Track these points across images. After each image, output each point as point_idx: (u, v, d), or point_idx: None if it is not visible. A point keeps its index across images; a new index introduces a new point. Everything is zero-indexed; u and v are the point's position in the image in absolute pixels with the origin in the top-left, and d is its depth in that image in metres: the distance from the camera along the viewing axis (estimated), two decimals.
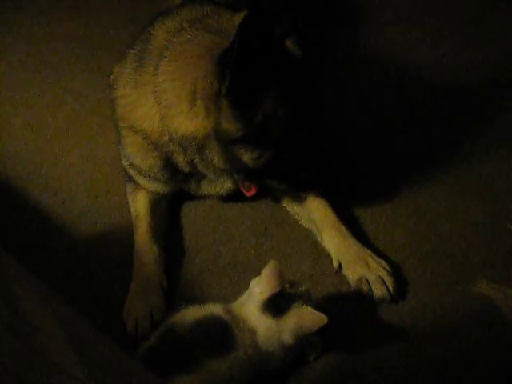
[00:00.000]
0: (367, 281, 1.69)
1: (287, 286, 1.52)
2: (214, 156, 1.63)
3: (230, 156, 1.61)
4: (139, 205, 1.88)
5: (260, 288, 1.51)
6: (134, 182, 1.90)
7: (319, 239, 1.82)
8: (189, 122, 1.58)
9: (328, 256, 1.79)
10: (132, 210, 1.91)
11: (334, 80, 2.20)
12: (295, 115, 1.58)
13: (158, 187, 1.87)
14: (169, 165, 1.77)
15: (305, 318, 1.47)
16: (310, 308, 1.48)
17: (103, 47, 2.50)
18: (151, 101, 1.65)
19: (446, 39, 2.48)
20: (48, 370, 0.86)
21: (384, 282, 1.68)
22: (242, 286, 1.67)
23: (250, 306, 1.51)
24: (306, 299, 1.51)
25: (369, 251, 1.76)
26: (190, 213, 1.95)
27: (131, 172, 1.88)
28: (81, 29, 2.52)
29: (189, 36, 1.62)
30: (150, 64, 1.66)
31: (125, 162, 1.87)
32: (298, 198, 1.87)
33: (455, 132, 2.13)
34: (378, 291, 1.67)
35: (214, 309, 1.51)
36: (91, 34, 2.56)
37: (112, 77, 2.29)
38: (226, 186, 1.83)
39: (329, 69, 2.22)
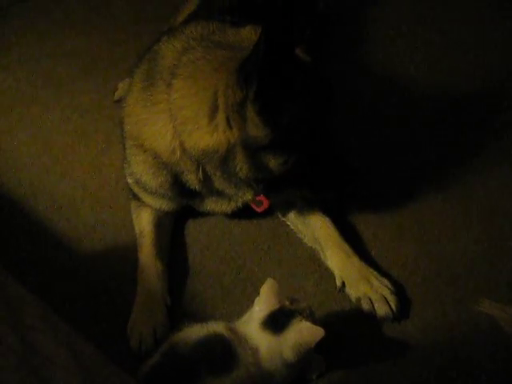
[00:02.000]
0: (370, 299, 1.70)
1: (287, 302, 1.52)
2: (240, 166, 1.61)
3: (257, 164, 1.61)
4: (143, 222, 1.89)
5: (259, 306, 1.52)
6: (139, 199, 1.91)
7: (322, 258, 1.83)
8: (209, 135, 1.58)
9: (331, 274, 1.79)
10: (136, 227, 1.92)
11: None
12: (316, 118, 1.61)
13: (163, 205, 1.88)
14: (177, 183, 1.77)
15: (303, 332, 1.46)
16: (307, 322, 1.48)
17: (109, 64, 2.52)
18: (163, 119, 1.66)
19: (443, 45, 2.51)
20: None
21: (387, 301, 1.69)
22: (245, 304, 1.68)
23: (251, 324, 1.52)
24: (307, 315, 1.50)
25: (372, 270, 1.76)
26: (194, 230, 1.96)
27: (136, 189, 1.88)
28: (87, 46, 2.54)
29: (199, 53, 1.63)
30: (161, 83, 1.67)
31: (130, 180, 1.89)
32: (302, 216, 1.88)
33: (459, 148, 2.13)
34: (381, 310, 1.68)
35: (217, 327, 1.51)
36: (97, 50, 2.59)
37: (116, 93, 2.32)
38: (232, 204, 1.84)
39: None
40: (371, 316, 1.69)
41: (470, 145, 2.14)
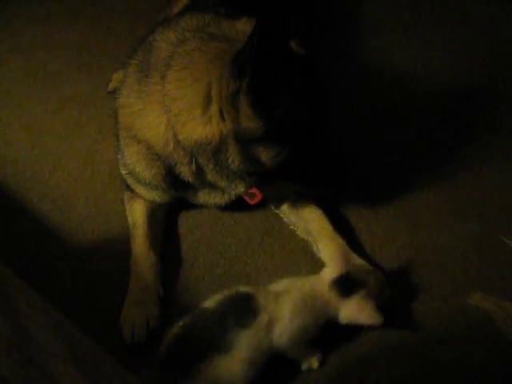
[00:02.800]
0: None
1: (355, 270, 1.64)
2: (233, 158, 1.62)
3: (249, 156, 1.61)
4: (136, 213, 1.89)
5: (330, 268, 1.64)
6: (132, 190, 1.90)
7: (315, 250, 1.83)
8: (202, 127, 1.59)
9: (323, 266, 1.80)
10: (129, 218, 1.92)
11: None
12: (308, 110, 1.61)
13: (156, 196, 1.88)
14: (170, 174, 1.77)
15: (364, 310, 1.55)
16: (373, 304, 1.56)
17: (102, 55, 2.52)
18: (157, 110, 1.66)
19: (441, 45, 2.50)
20: None
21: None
22: None
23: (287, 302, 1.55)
24: (375, 293, 1.59)
25: (364, 262, 1.76)
26: (186, 222, 1.96)
27: (130, 181, 1.88)
28: (80, 36, 2.54)
29: (194, 45, 1.63)
30: (155, 74, 1.67)
31: (123, 171, 1.88)
32: (295, 209, 1.88)
33: (453, 142, 2.13)
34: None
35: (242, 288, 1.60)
36: (91, 41, 2.58)
37: (110, 85, 2.31)
38: (225, 196, 1.84)
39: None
40: None
41: (462, 140, 2.14)
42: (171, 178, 1.78)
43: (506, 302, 1.70)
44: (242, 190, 1.78)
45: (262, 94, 1.50)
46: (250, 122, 1.54)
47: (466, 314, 1.69)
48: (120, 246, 1.89)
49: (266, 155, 1.60)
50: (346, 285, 1.58)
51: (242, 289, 1.58)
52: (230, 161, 1.62)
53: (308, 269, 1.80)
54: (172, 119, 1.63)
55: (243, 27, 1.66)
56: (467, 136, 2.15)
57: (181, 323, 1.54)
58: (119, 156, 1.89)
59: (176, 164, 1.72)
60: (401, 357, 1.61)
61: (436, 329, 1.67)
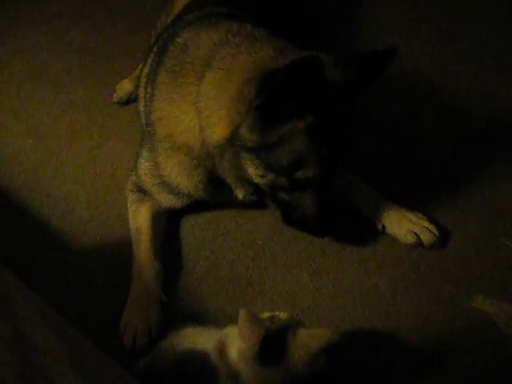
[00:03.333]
0: (414, 233, 1.83)
1: (268, 324, 1.41)
2: (225, 162, 1.67)
3: (238, 165, 1.64)
4: (141, 218, 1.88)
5: (247, 343, 1.38)
6: (144, 193, 1.89)
7: (358, 207, 1.90)
8: (223, 129, 1.61)
9: (325, 268, 1.81)
10: (132, 221, 1.90)
11: None
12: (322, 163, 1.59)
13: (177, 203, 1.88)
14: (211, 181, 1.79)
15: (307, 342, 1.39)
16: (305, 330, 1.42)
17: (104, 58, 2.51)
18: (192, 112, 1.67)
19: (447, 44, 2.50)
20: None
21: (429, 230, 1.83)
22: (239, 299, 1.72)
23: (244, 361, 1.40)
24: (295, 325, 1.44)
25: (403, 208, 1.87)
26: (188, 225, 1.95)
27: (154, 189, 1.86)
28: (82, 40, 2.53)
29: (238, 48, 1.65)
30: (192, 74, 1.68)
31: (150, 179, 1.86)
32: None
33: (456, 147, 2.12)
34: (428, 239, 1.83)
35: (207, 345, 1.44)
36: (92, 45, 2.57)
37: (115, 96, 2.30)
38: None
39: None
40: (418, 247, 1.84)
41: (467, 143, 2.13)
42: (212, 184, 1.80)
43: (508, 304, 1.70)
44: (241, 196, 1.79)
45: (266, 116, 1.53)
46: (246, 131, 1.56)
47: (469, 317, 1.69)
48: (121, 249, 1.88)
49: (251, 170, 1.62)
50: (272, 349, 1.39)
51: (205, 345, 1.44)
52: (224, 165, 1.68)
53: (309, 271, 1.81)
54: (203, 122, 1.64)
55: (281, 45, 1.65)
56: (471, 142, 2.14)
57: (146, 360, 1.50)
58: (139, 162, 1.88)
59: (214, 166, 1.73)
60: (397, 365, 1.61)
61: (438, 332, 1.67)
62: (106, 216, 1.99)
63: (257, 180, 1.65)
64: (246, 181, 1.70)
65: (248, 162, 1.62)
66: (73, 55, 2.52)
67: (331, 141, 1.58)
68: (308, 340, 1.40)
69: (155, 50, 1.93)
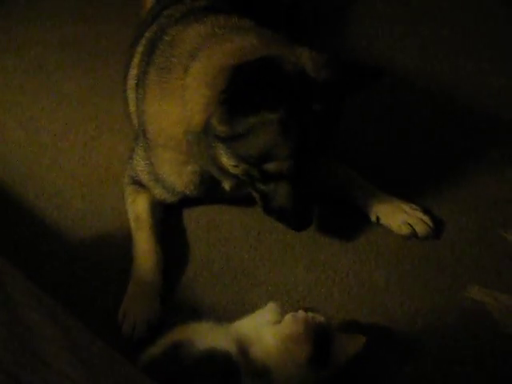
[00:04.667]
0: (409, 224, 1.83)
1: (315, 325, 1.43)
2: (201, 151, 1.68)
3: (213, 155, 1.65)
4: (139, 208, 1.88)
5: (300, 346, 1.38)
6: (141, 185, 1.90)
7: (353, 198, 1.90)
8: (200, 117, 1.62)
9: (321, 260, 1.81)
10: (131, 211, 1.90)
11: None
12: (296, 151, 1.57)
13: (172, 198, 1.89)
14: (203, 180, 1.81)
15: (345, 346, 1.43)
16: (342, 334, 1.47)
17: (98, 52, 2.51)
18: (180, 105, 1.67)
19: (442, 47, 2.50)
20: (47, 373, 0.86)
21: (423, 221, 1.83)
22: (234, 291, 1.72)
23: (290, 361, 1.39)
24: (333, 327, 1.48)
25: (397, 199, 1.88)
26: (183, 217, 1.95)
27: (151, 184, 1.87)
28: (76, 34, 2.52)
29: (221, 38, 1.66)
30: (178, 68, 1.68)
31: (146, 176, 1.87)
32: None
33: (452, 140, 2.13)
34: (422, 230, 1.83)
35: (226, 344, 1.38)
36: (86, 38, 2.56)
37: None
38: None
39: None
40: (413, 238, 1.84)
41: (463, 135, 2.14)
42: (204, 183, 1.81)
43: (503, 294, 1.71)
44: (227, 188, 1.80)
45: (237, 106, 1.53)
46: (216, 121, 1.58)
47: (463, 307, 1.70)
48: (117, 243, 1.88)
49: (225, 160, 1.63)
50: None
51: (223, 343, 1.38)
52: (203, 155, 1.69)
53: (305, 263, 1.81)
54: (187, 112, 1.65)
55: (267, 36, 1.66)
56: (468, 134, 2.15)
57: (152, 353, 1.43)
58: (135, 160, 1.89)
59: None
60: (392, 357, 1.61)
61: (433, 322, 1.67)
62: (102, 209, 1.98)
63: (232, 170, 1.65)
64: (226, 172, 1.69)
65: (222, 152, 1.62)
66: (66, 49, 2.52)
67: (305, 136, 1.56)
68: (346, 344, 1.44)
69: (141, 49, 1.92)
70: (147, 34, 1.93)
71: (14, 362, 0.85)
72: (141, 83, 1.83)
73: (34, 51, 2.53)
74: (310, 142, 1.58)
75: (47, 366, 0.89)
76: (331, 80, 1.58)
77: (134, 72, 1.93)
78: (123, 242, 1.85)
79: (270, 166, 1.58)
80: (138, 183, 1.91)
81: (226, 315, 1.64)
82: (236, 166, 1.63)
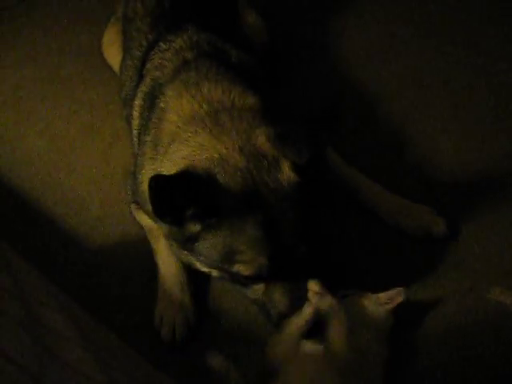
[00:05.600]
0: (424, 228, 1.82)
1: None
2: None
3: (188, 261, 1.61)
4: (148, 221, 1.85)
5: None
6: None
7: (365, 202, 1.90)
8: None
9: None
10: (143, 224, 1.90)
11: None
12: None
13: None
14: None
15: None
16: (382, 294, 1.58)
17: None
18: None
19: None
20: (64, 371, 0.86)
21: (438, 223, 1.82)
22: None
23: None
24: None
25: (411, 202, 1.86)
26: None
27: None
28: (93, 42, 2.54)
29: (186, 138, 1.56)
30: (161, 150, 1.61)
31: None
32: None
33: (465, 139, 2.11)
34: (438, 231, 1.82)
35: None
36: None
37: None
38: None
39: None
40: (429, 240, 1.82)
41: (473, 132, 2.12)
42: None
43: None
44: None
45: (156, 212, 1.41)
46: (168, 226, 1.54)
47: (486, 308, 1.68)
48: (136, 248, 1.90)
49: (199, 266, 1.56)
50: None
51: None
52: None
53: None
54: None
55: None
56: (473, 130, 2.13)
57: None
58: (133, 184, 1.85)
59: None
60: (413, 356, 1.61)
61: (456, 324, 1.66)
62: (120, 215, 2.00)
63: (213, 275, 1.56)
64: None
65: (191, 258, 1.56)
66: (83, 57, 2.54)
67: (265, 232, 1.42)
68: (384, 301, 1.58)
69: (139, 103, 1.85)
70: (143, 88, 1.83)
71: (28, 358, 0.85)
72: (141, 138, 1.77)
73: (51, 60, 2.55)
74: (283, 231, 1.43)
75: (61, 362, 0.89)
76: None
77: (136, 122, 1.87)
78: (142, 247, 1.86)
79: (241, 268, 1.45)
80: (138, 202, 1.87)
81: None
82: (210, 273, 1.55)
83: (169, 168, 1.52)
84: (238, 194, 1.42)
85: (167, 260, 1.78)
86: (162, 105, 1.69)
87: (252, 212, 1.41)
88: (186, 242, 1.49)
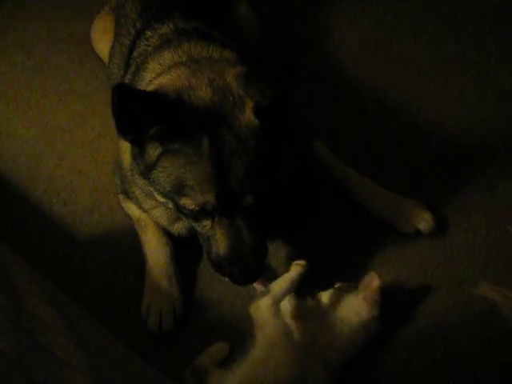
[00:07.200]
0: (412, 223, 1.82)
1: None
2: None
3: (148, 192, 1.64)
4: (137, 212, 1.86)
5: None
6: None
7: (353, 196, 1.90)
8: None
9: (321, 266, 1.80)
10: (130, 215, 1.90)
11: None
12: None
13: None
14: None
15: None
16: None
17: None
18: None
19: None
20: (55, 365, 0.86)
21: (427, 217, 1.82)
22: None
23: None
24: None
25: (400, 196, 1.87)
26: None
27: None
28: (83, 31, 2.51)
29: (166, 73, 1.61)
30: None
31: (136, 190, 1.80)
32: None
33: (457, 135, 2.12)
34: (426, 228, 1.82)
35: None
36: None
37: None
38: None
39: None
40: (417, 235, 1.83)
41: (468, 131, 2.13)
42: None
43: None
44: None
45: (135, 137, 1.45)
46: (132, 156, 1.57)
47: (473, 304, 1.69)
48: (125, 238, 1.89)
49: (158, 198, 1.56)
50: None
51: None
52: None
53: None
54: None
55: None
56: (472, 130, 2.13)
57: None
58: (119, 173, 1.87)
59: None
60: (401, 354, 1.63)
61: (443, 319, 1.67)
62: (109, 205, 1.99)
63: (170, 207, 1.57)
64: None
65: (150, 189, 1.56)
66: (73, 46, 2.51)
67: (220, 168, 1.41)
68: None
69: (130, 78, 1.82)
70: (129, 77, 1.82)
71: (18, 351, 0.84)
72: None
73: (41, 48, 2.52)
74: (232, 175, 1.42)
75: (51, 355, 0.89)
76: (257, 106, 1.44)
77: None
78: (131, 237, 1.86)
79: (187, 202, 1.45)
80: (126, 192, 1.88)
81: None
82: (166, 204, 1.55)
83: None
84: (199, 124, 1.41)
85: (155, 251, 1.79)
86: (142, 68, 1.70)
87: (208, 148, 1.41)
88: (146, 170, 1.49)
